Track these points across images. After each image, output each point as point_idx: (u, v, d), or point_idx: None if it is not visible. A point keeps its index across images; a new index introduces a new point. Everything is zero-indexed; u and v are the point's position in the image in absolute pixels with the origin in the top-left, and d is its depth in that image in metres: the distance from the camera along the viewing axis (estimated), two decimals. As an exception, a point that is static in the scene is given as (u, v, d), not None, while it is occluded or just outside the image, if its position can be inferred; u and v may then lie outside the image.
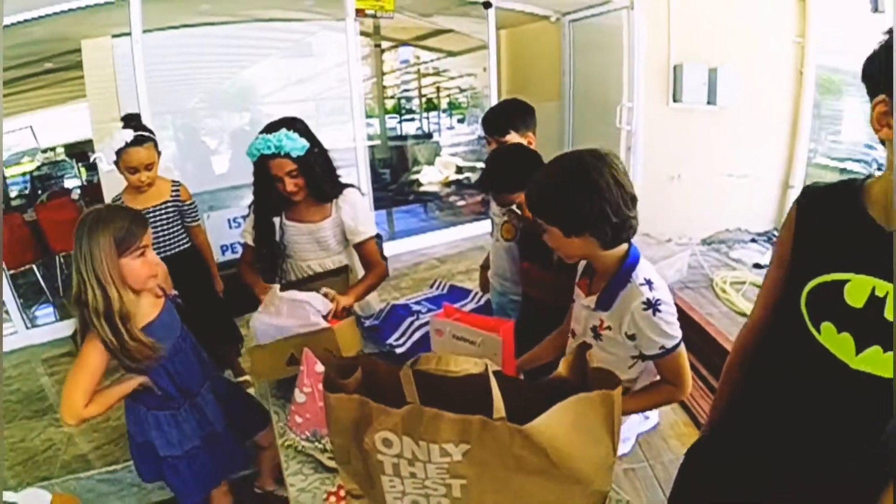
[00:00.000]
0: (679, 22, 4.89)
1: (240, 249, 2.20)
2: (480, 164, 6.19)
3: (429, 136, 7.89)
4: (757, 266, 4.88)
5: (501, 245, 2.06)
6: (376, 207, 5.33)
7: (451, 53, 7.43)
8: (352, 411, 0.86)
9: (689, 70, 4.99)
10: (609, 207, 1.16)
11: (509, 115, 2.06)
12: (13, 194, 7.13)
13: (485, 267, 2.41)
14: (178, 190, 2.53)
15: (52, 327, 4.24)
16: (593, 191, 1.16)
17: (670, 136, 4.95)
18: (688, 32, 4.94)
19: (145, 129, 2.33)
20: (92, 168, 8.22)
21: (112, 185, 4.65)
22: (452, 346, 1.40)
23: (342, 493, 1.21)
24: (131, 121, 2.35)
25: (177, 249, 2.56)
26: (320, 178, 1.92)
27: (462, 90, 8.23)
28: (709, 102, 5.13)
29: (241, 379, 2.97)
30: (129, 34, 4.24)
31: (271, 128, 1.86)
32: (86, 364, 1.45)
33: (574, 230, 1.21)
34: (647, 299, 1.21)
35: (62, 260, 5.12)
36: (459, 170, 6.83)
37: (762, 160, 5.68)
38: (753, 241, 5.58)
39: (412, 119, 8.45)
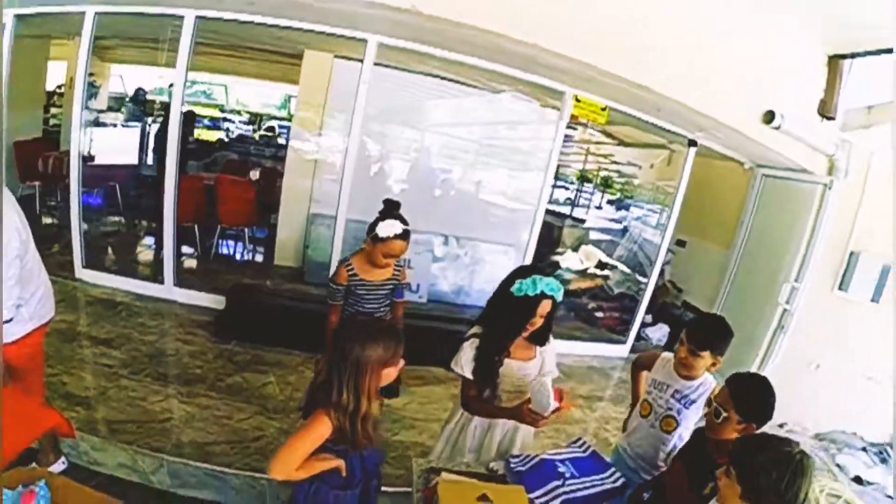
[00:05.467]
0: (865, 209, 4.68)
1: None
2: (623, 267, 6.16)
3: (581, 220, 7.99)
4: (857, 480, 4.57)
5: (655, 432, 2.25)
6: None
7: (622, 142, 7.40)
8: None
9: (863, 261, 4.76)
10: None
11: (718, 336, 2.17)
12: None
13: (638, 366, 2.56)
14: (400, 269, 2.71)
15: (198, 294, 4.41)
16: (799, 475, 1.40)
17: (823, 324, 4.74)
18: (869, 221, 4.70)
19: (405, 221, 2.45)
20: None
21: (292, 173, 5.10)
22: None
23: None
24: (394, 208, 2.44)
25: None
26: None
27: (622, 175, 8.11)
28: (872, 300, 4.87)
29: None
30: (350, 59, 4.58)
31: (528, 271, 2.08)
32: (312, 436, 1.62)
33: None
34: None
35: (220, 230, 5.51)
36: (601, 265, 6.76)
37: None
38: (864, 450, 5.21)
39: (564, 186, 8.36)
